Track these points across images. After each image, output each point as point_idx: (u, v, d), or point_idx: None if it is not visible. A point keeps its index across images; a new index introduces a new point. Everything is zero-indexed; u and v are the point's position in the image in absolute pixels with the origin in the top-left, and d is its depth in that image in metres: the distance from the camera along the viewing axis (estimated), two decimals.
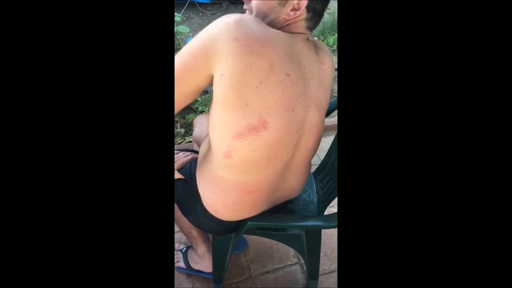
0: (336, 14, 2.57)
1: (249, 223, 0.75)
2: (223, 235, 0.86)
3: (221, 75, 0.57)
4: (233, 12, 0.59)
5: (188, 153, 0.90)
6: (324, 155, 1.04)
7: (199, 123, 1.07)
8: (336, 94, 1.93)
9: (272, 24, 0.64)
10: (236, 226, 0.80)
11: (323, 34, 2.51)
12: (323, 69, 0.69)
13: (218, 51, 0.56)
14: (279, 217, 0.83)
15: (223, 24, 0.57)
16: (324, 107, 0.71)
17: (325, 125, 0.74)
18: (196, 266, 1.05)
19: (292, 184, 0.77)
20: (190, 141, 1.59)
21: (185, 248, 1.09)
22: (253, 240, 1.18)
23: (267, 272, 1.09)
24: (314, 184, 1.01)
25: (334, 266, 1.11)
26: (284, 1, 0.62)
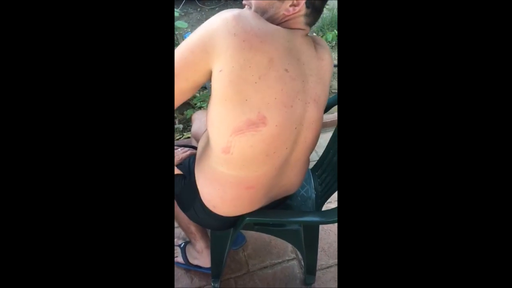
0: (335, 10, 2.56)
1: (247, 218, 0.75)
2: (222, 230, 0.87)
3: (220, 71, 0.57)
4: (231, 7, 0.59)
5: (186, 148, 0.90)
6: (322, 151, 1.04)
7: (198, 119, 1.07)
8: (335, 91, 1.93)
9: (271, 20, 0.64)
10: (235, 222, 0.80)
11: (322, 30, 2.50)
12: (322, 65, 0.69)
13: (216, 46, 0.56)
14: (277, 213, 0.84)
15: (221, 19, 0.57)
16: (323, 103, 0.71)
17: (323, 121, 0.74)
18: (194, 261, 1.05)
19: (291, 180, 0.77)
20: (189, 137, 1.59)
21: (183, 244, 1.09)
22: (252, 235, 1.19)
23: (265, 267, 1.10)
24: (312, 180, 1.01)
25: (332, 261, 1.12)
26: None
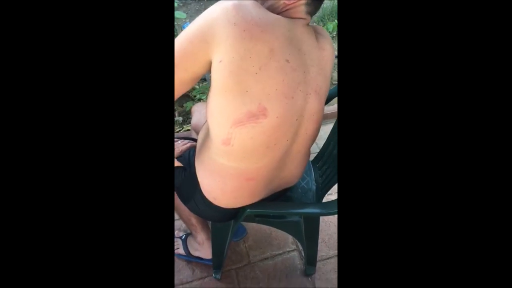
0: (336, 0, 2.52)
1: (248, 210, 0.76)
2: (222, 222, 0.87)
3: (220, 61, 0.56)
4: None
5: (186, 141, 0.90)
6: (323, 143, 1.04)
7: (197, 111, 1.06)
8: (336, 82, 1.92)
9: (272, 9, 0.63)
10: (235, 213, 0.80)
11: (322, 21, 2.47)
12: (323, 56, 0.68)
13: (216, 36, 0.55)
14: (278, 205, 0.84)
15: (221, 9, 0.55)
16: (324, 94, 0.70)
17: (324, 113, 0.74)
18: (195, 253, 1.06)
19: (291, 172, 0.77)
20: (188, 130, 1.59)
21: (184, 235, 1.10)
22: (252, 227, 1.19)
23: (266, 258, 1.11)
24: (313, 172, 1.01)
25: (332, 252, 1.13)
26: None
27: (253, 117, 0.59)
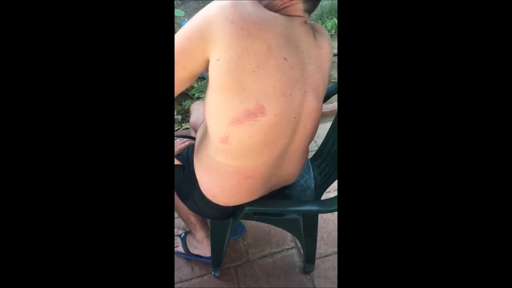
0: None
1: (246, 208, 0.76)
2: (221, 220, 0.87)
3: (217, 60, 0.56)
4: None
5: (185, 139, 0.90)
6: (321, 141, 1.04)
7: (196, 110, 1.06)
8: (335, 80, 1.92)
9: (269, 7, 0.63)
10: (234, 211, 0.80)
11: (321, 19, 2.47)
12: (321, 53, 0.68)
13: (213, 34, 0.55)
14: (277, 202, 0.84)
15: (218, 7, 0.55)
16: (322, 92, 0.70)
17: (322, 111, 0.74)
18: (195, 251, 1.06)
19: (290, 170, 0.77)
20: (187, 128, 1.59)
21: (183, 234, 1.10)
22: (251, 225, 1.19)
23: (265, 256, 1.11)
24: (312, 170, 1.01)
25: (331, 249, 1.13)
26: None
27: (251, 115, 0.59)
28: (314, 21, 2.45)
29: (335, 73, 1.99)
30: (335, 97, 1.02)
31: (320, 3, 0.68)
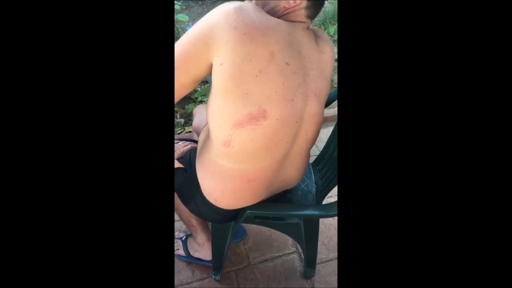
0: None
1: (248, 211, 0.76)
2: (222, 223, 0.88)
3: (221, 64, 0.57)
4: (232, 0, 0.59)
5: (187, 142, 0.90)
6: (323, 146, 1.04)
7: (199, 113, 1.07)
8: (336, 85, 1.93)
9: (272, 12, 0.63)
10: (235, 215, 0.81)
11: (324, 24, 2.48)
12: (323, 59, 0.69)
13: (217, 39, 0.56)
14: (278, 206, 0.84)
15: (222, 12, 0.56)
16: (324, 97, 0.71)
17: (324, 116, 0.74)
18: (195, 254, 1.06)
19: (291, 174, 0.77)
20: (190, 131, 1.59)
21: (184, 237, 1.10)
22: (252, 229, 1.19)
23: (266, 260, 1.11)
24: (313, 174, 1.01)
25: (332, 255, 1.13)
26: None
27: (253, 119, 0.60)
28: (317, 26, 2.47)
29: (336, 78, 2.00)
30: (337, 102, 1.03)
31: (323, 9, 0.69)
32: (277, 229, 0.98)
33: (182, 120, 1.68)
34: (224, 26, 0.55)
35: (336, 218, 1.23)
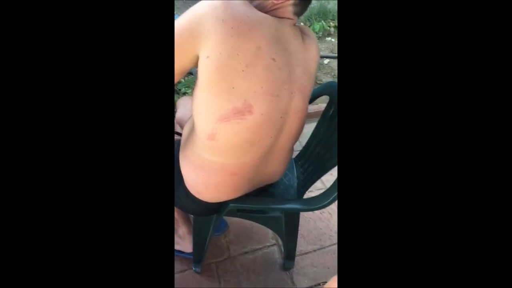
0: (323, 1, 2.55)
1: (231, 205, 0.77)
2: (205, 216, 0.88)
3: (207, 57, 0.57)
4: None
5: None
6: (305, 141, 1.06)
7: (182, 105, 1.06)
8: (320, 82, 1.95)
9: (260, 7, 0.64)
10: (218, 208, 0.81)
11: (309, 20, 2.50)
12: (309, 56, 0.70)
13: (204, 31, 0.56)
14: (260, 200, 0.85)
15: (210, 4, 0.56)
16: (308, 94, 0.72)
17: (308, 112, 0.76)
18: (176, 247, 1.06)
19: (274, 168, 0.79)
20: None
21: None
22: (234, 221, 1.20)
23: (246, 252, 1.13)
24: (295, 169, 1.03)
25: (310, 247, 1.16)
26: None
27: (239, 114, 0.60)
28: (302, 22, 2.48)
29: (320, 75, 2.03)
30: (320, 98, 1.04)
31: (309, 5, 0.70)
32: (258, 222, 0.99)
33: None
34: (212, 19, 0.55)
35: (315, 212, 1.27)
